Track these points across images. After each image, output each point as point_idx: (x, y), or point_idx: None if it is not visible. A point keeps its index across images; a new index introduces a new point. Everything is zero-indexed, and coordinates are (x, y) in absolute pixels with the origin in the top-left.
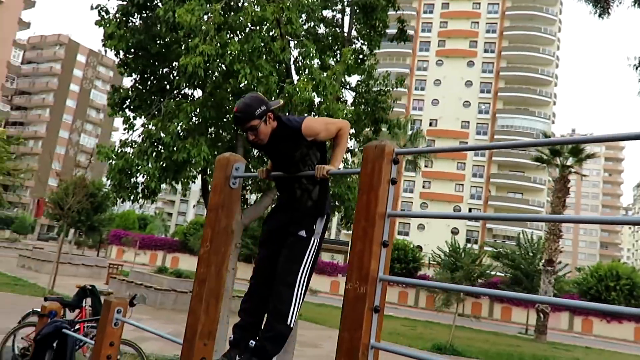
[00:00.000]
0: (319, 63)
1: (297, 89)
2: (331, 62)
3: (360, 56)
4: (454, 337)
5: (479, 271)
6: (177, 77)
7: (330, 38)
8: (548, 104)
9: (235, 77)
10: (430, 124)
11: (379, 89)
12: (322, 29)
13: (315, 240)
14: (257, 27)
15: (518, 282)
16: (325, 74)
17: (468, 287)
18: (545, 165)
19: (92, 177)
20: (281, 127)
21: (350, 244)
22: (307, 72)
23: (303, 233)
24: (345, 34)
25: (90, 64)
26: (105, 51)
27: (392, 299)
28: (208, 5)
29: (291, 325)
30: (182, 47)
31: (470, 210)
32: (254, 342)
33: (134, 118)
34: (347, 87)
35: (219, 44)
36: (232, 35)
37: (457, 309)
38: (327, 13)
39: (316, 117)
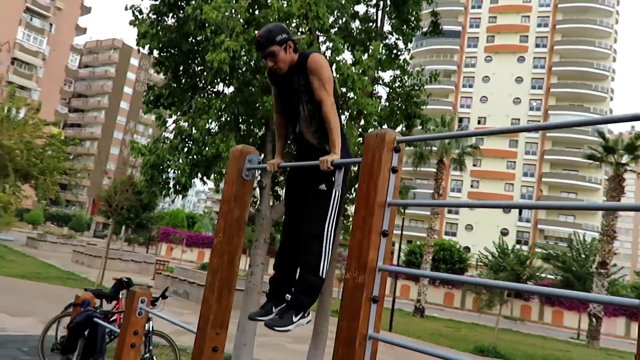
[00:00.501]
0: (351, 59)
1: None
2: (364, 57)
3: (395, 51)
4: (499, 340)
5: (529, 273)
6: (205, 74)
7: (362, 33)
8: (604, 99)
9: (263, 73)
10: (479, 122)
11: (412, 83)
12: (355, 24)
13: (337, 192)
14: (285, 23)
15: (569, 285)
16: (354, 69)
17: (485, 280)
18: (598, 163)
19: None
20: (299, 61)
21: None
22: (334, 67)
23: (323, 187)
24: (378, 29)
25: (143, 67)
26: (139, 50)
27: (438, 300)
28: (234, 2)
29: (323, 277)
30: (210, 44)
31: (520, 212)
32: (289, 296)
33: (170, 115)
34: (380, 82)
35: (245, 40)
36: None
37: (500, 310)
38: (360, 8)
39: (344, 106)
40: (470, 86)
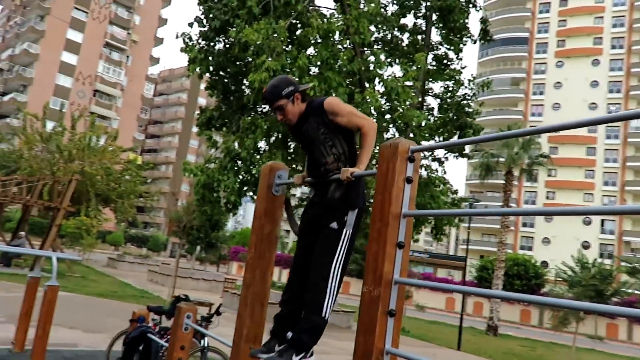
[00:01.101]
0: (395, 71)
1: (366, 98)
2: (410, 69)
3: (444, 61)
4: None
5: (613, 289)
6: (249, 94)
7: (409, 46)
8: None
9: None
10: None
11: (463, 93)
12: (403, 36)
13: (348, 232)
14: (325, 40)
15: None
16: (399, 81)
17: (513, 294)
18: None
19: None
20: (308, 107)
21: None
22: (377, 80)
23: (335, 225)
24: (425, 40)
25: None
26: (189, 75)
27: (513, 317)
28: (275, 24)
29: (326, 317)
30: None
31: (602, 224)
32: (291, 334)
33: (222, 136)
34: (430, 93)
35: (287, 59)
36: (301, 50)
37: (577, 328)
38: (409, 20)
39: (386, 121)
40: (541, 93)
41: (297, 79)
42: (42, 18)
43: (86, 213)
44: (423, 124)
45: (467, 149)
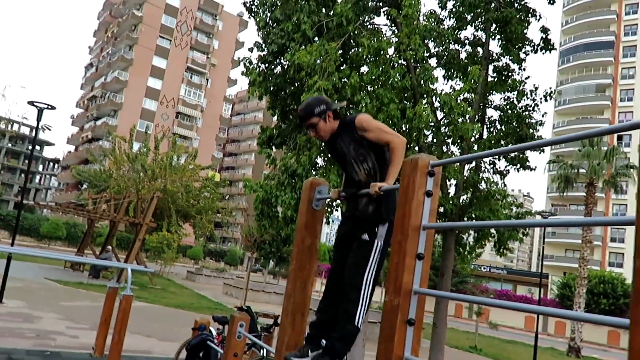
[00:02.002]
0: (454, 85)
1: (417, 114)
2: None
3: (505, 72)
4: None
5: None
6: None
7: (467, 58)
8: None
9: (356, 108)
10: None
11: (524, 104)
12: (462, 49)
13: (379, 243)
14: (376, 58)
15: None
16: (453, 95)
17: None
18: None
19: None
20: (341, 125)
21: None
22: (429, 95)
23: (366, 236)
24: (484, 52)
25: None
26: (249, 97)
27: (600, 339)
28: (327, 45)
29: (359, 326)
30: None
31: None
32: (325, 342)
33: (285, 153)
34: (489, 106)
35: (339, 79)
36: (354, 68)
37: None
38: (468, 32)
39: (431, 134)
40: (630, 99)
41: (349, 97)
42: (130, 47)
43: (167, 228)
44: (483, 136)
45: (532, 160)
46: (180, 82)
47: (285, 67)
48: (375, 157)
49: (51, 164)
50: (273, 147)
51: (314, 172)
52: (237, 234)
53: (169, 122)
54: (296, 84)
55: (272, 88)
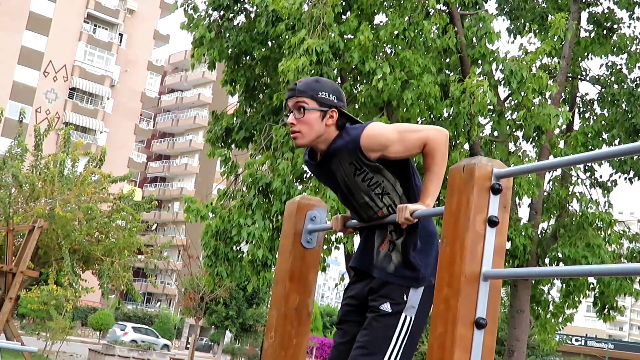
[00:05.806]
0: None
1: (466, 91)
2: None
3: (607, 24)
4: None
5: None
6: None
7: (544, 1)
8: None
9: (369, 82)
10: None
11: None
12: None
13: (409, 318)
14: (400, 0)
15: None
16: (524, 62)
17: None
18: None
19: None
20: (338, 137)
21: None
22: (487, 61)
23: (387, 306)
24: None
25: None
26: (192, 65)
27: None
28: None
29: None
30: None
31: None
32: None
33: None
34: (582, 77)
35: (340, 35)
36: (363, 19)
37: None
38: None
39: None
40: None
41: (357, 64)
42: None
43: (57, 280)
44: (573, 126)
45: None
46: (76, 39)
47: (252, 15)
48: (401, 182)
49: None
50: (232, 145)
51: (300, 187)
52: (171, 288)
53: (59, 104)
54: (270, 44)
55: (230, 50)
